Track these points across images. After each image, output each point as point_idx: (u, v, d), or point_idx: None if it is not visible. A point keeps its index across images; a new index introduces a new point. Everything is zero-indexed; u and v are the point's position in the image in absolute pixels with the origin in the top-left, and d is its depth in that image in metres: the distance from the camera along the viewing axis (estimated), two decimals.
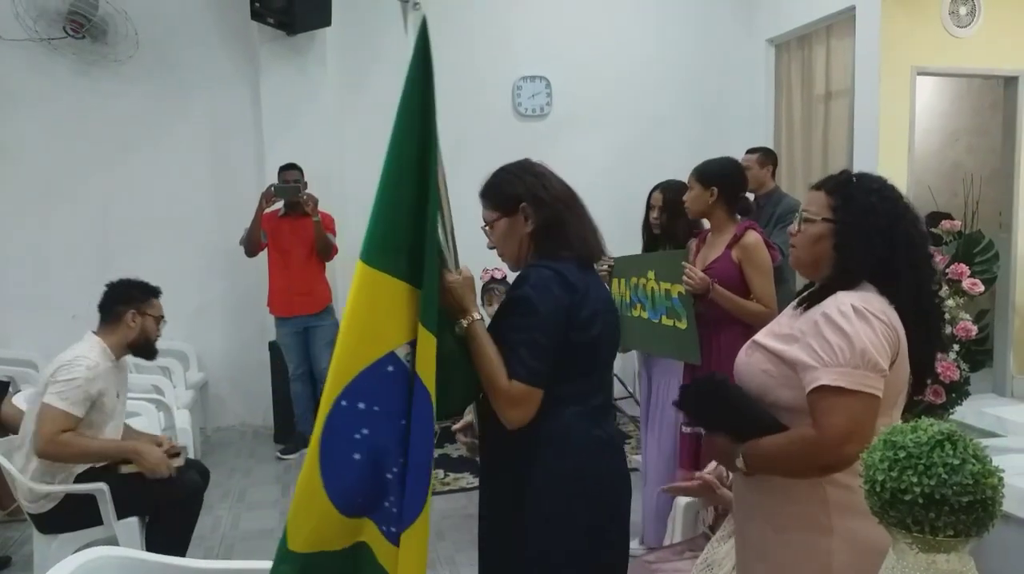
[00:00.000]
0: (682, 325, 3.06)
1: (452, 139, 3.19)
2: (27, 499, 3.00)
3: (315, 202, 4.98)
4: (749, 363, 1.70)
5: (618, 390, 5.67)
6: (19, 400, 3.66)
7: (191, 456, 3.90)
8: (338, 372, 1.59)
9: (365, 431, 1.60)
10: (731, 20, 6.60)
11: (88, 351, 3.09)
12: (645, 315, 3.35)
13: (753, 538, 1.74)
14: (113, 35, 5.47)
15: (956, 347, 2.71)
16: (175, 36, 5.66)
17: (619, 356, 2.51)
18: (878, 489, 1.21)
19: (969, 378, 2.76)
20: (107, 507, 2.99)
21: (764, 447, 1.58)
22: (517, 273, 1.87)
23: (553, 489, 1.77)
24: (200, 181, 5.80)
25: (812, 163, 6.13)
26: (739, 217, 3.20)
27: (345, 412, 1.59)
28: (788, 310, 1.74)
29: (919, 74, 5.40)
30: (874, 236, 1.59)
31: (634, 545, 3.21)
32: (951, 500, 1.14)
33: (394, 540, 1.62)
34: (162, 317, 3.31)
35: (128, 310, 3.19)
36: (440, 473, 4.74)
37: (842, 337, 1.51)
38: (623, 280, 3.49)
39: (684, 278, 2.96)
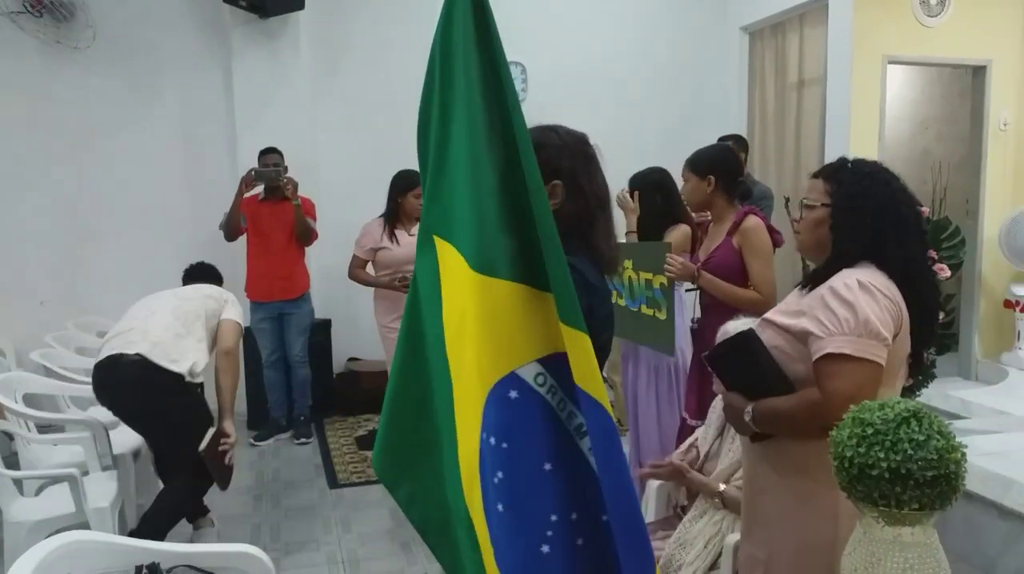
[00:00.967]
0: (662, 315, 3.07)
1: None
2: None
3: (295, 186, 4.94)
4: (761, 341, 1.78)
5: None
6: None
7: None
8: (468, 402, 1.32)
9: (500, 475, 1.29)
10: (705, 8, 6.63)
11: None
12: (623, 303, 3.36)
13: (763, 505, 1.81)
14: (81, 16, 5.36)
15: None
16: (146, 18, 5.56)
17: None
18: (846, 465, 1.24)
19: (935, 361, 2.82)
20: (78, 494, 2.97)
21: (773, 404, 1.68)
22: None
23: None
24: (171, 166, 5.72)
25: (785, 150, 6.19)
26: (739, 204, 3.12)
27: (483, 447, 1.31)
28: (795, 291, 1.83)
29: (890, 63, 5.46)
30: (866, 216, 1.70)
31: None
32: (916, 474, 1.17)
33: None
34: None
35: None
36: None
37: (847, 308, 1.60)
38: None
39: (665, 266, 2.95)
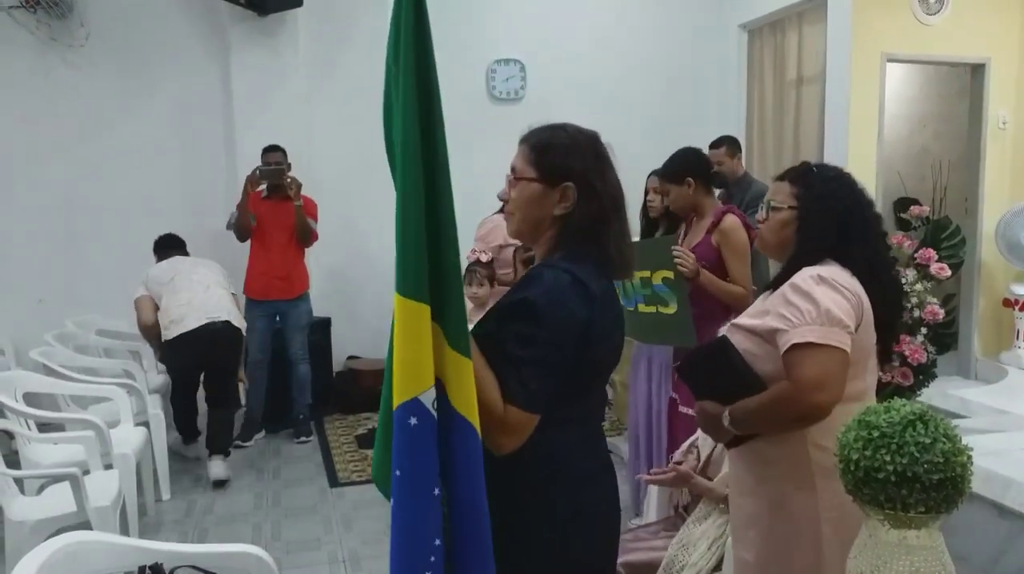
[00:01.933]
0: (668, 310, 3.05)
1: None
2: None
3: (298, 186, 4.92)
4: None
5: None
6: None
7: None
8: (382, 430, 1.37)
9: (392, 502, 1.34)
10: (704, 5, 6.63)
11: None
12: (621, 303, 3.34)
13: (746, 508, 1.83)
14: (79, 12, 5.35)
15: (924, 330, 2.76)
16: (143, 15, 5.54)
17: None
18: (852, 468, 1.24)
19: (936, 360, 2.82)
20: (80, 494, 2.97)
21: (747, 404, 1.71)
22: (517, 269, 1.69)
23: (547, 520, 1.51)
24: (168, 164, 5.70)
25: (783, 148, 6.19)
26: (719, 202, 3.27)
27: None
28: (760, 296, 1.87)
29: (889, 61, 5.46)
30: (834, 217, 1.77)
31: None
32: (922, 478, 1.18)
33: None
34: None
35: None
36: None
37: (807, 300, 1.65)
38: None
39: (677, 261, 2.98)
